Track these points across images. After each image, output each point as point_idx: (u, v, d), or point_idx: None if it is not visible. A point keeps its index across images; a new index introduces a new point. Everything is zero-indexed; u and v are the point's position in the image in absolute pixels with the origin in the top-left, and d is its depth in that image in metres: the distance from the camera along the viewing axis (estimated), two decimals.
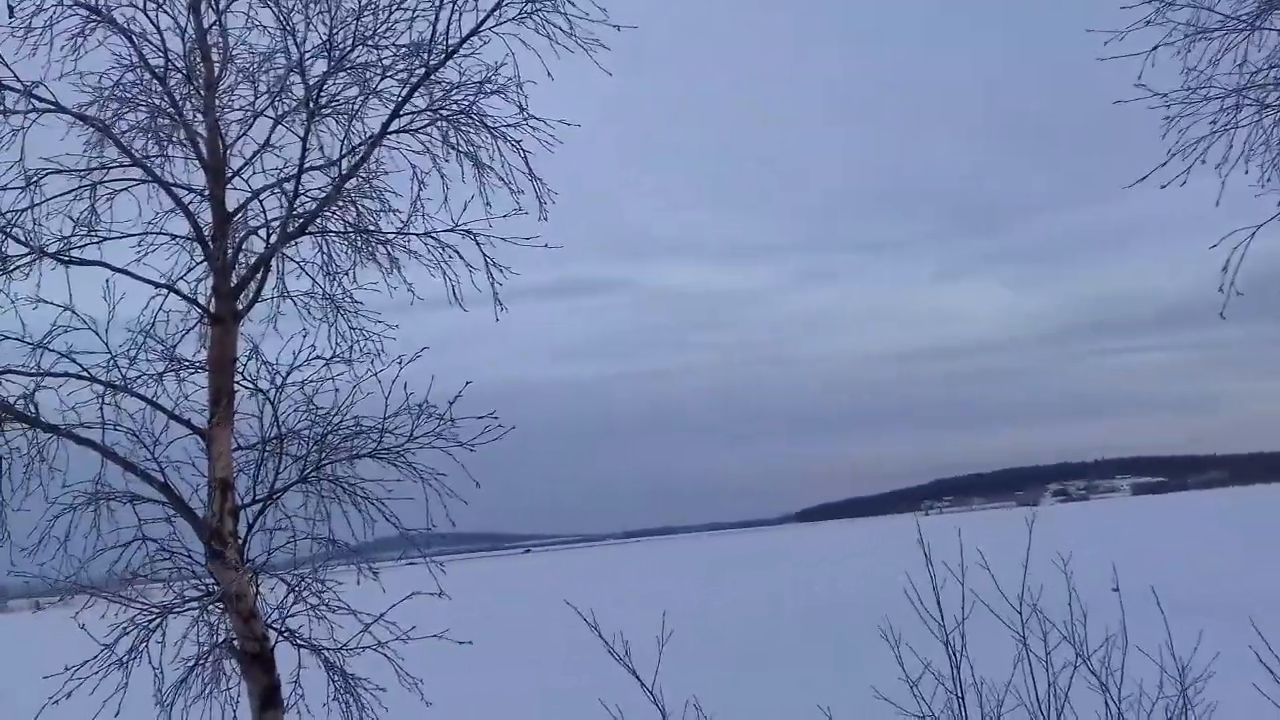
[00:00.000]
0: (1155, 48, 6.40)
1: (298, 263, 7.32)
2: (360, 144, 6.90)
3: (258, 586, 6.74)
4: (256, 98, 6.89)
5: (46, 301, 6.41)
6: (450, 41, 6.80)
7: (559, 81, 6.97)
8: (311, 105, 6.52)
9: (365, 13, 6.59)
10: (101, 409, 6.60)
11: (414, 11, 6.62)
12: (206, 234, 6.81)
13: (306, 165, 6.64)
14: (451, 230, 7.10)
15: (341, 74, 6.64)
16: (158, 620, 6.55)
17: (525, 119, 7.00)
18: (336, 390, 6.84)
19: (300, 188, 6.68)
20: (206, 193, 6.88)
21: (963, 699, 5.64)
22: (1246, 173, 6.28)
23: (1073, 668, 5.67)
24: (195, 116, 6.83)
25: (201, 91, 6.81)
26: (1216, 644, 5.83)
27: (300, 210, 6.76)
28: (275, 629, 6.78)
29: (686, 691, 5.80)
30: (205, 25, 6.81)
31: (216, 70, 6.88)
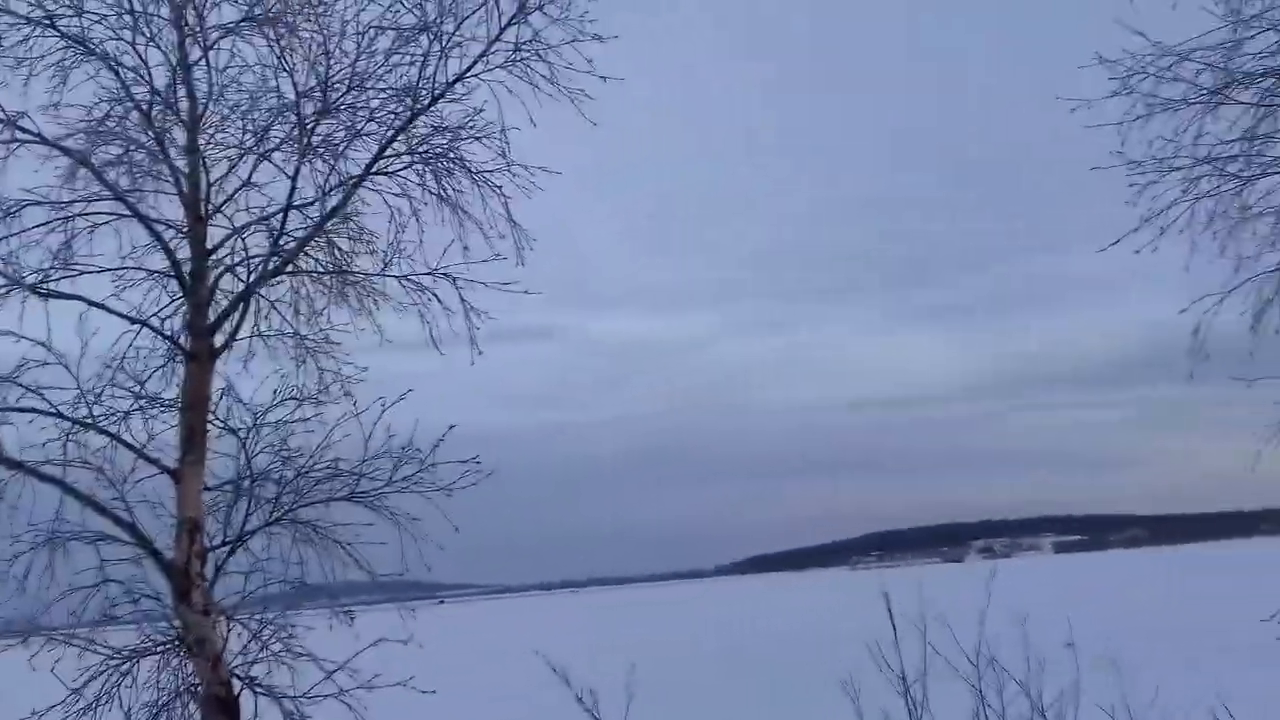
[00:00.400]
0: (1122, 122, 6.67)
1: (271, 302, 7.25)
2: (342, 184, 6.90)
3: (225, 632, 6.59)
4: (244, 135, 6.85)
5: (18, 335, 6.26)
6: (436, 86, 6.87)
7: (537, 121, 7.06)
8: (303, 144, 6.51)
9: (362, 57, 6.62)
10: (65, 445, 6.45)
11: (410, 57, 6.66)
12: (185, 270, 6.73)
13: (292, 204, 6.61)
14: (430, 274, 7.12)
15: (332, 116, 6.65)
16: (128, 665, 6.36)
17: (508, 165, 7.07)
18: (311, 432, 6.77)
19: (285, 225, 6.65)
20: (186, 228, 6.80)
21: None
22: (1214, 238, 6.51)
23: None
24: (178, 152, 6.76)
25: (186, 127, 6.76)
26: (1171, 703, 5.97)
27: (284, 248, 6.72)
28: (238, 676, 6.62)
29: None
30: (191, 60, 6.77)
31: (202, 107, 6.83)
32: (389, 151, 6.96)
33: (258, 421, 6.85)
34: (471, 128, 7.07)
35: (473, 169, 7.12)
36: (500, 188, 7.10)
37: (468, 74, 6.92)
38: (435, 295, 7.10)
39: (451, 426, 6.32)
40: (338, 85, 6.67)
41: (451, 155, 7.11)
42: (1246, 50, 6.16)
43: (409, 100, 6.86)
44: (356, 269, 7.25)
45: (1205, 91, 6.28)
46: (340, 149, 6.82)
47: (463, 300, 7.11)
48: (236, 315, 6.84)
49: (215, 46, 6.76)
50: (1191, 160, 6.55)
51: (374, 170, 6.98)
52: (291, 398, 6.91)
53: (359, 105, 6.79)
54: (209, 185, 6.86)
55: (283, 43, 6.60)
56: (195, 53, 6.76)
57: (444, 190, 7.15)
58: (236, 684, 6.66)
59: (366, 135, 6.89)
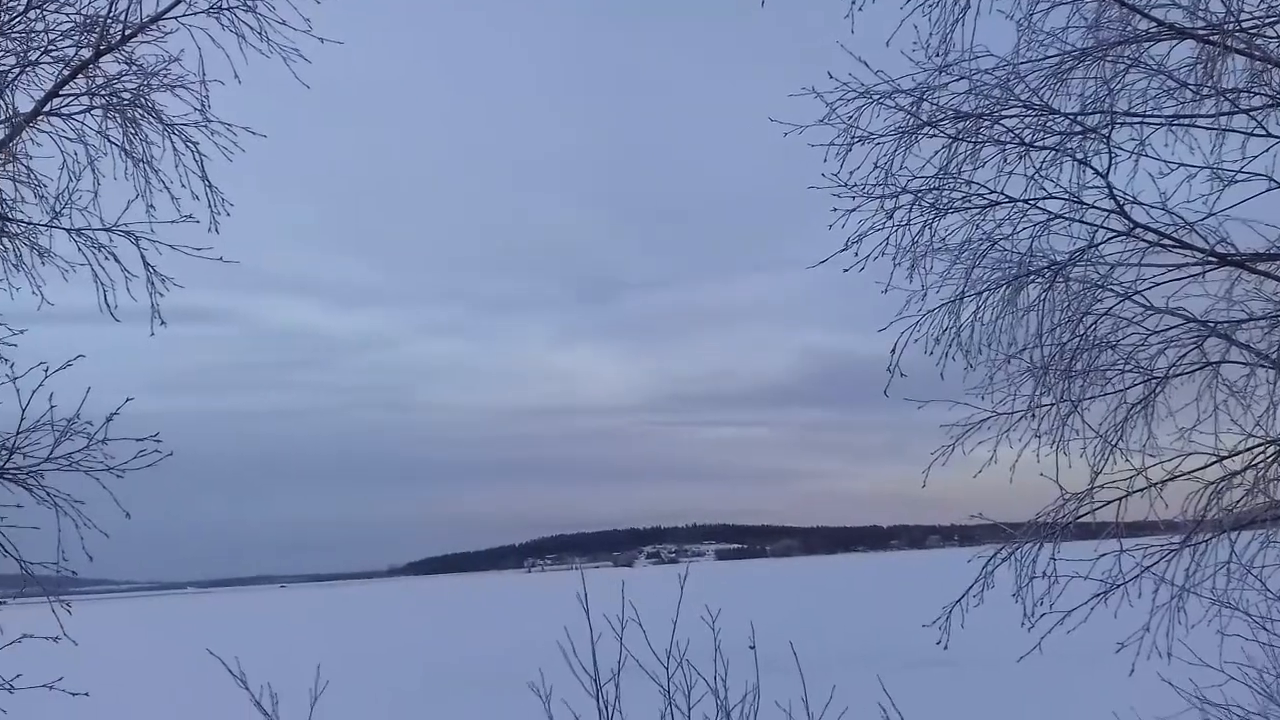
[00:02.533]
0: (831, 145, 6.95)
1: None
2: (8, 119, 6.09)
3: None
4: None
5: None
6: (129, 24, 6.20)
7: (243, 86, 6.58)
8: None
9: None
10: None
11: None
12: None
13: None
14: (108, 230, 6.41)
15: (2, 39, 5.83)
16: None
17: (205, 120, 6.51)
18: None
19: None
20: None
21: None
22: (906, 268, 6.87)
23: None
24: None
25: None
26: (846, 700, 6.25)
27: None
28: None
29: None
30: None
31: None
32: (66, 89, 6.21)
33: None
34: (166, 76, 6.46)
35: (165, 120, 6.50)
36: (196, 144, 6.53)
37: (166, 14, 6.29)
38: (113, 255, 6.40)
39: (129, 398, 5.64)
40: (10, 4, 5.86)
41: (140, 103, 6.46)
42: (949, 90, 6.56)
43: (95, 35, 6.14)
44: (19, 217, 6.42)
45: (910, 117, 6.64)
46: (9, 79, 6.01)
47: (146, 264, 6.45)
48: None
49: None
50: (891, 189, 6.88)
51: (47, 110, 6.20)
52: None
53: (35, 31, 6.01)
54: None
55: None
56: None
57: (129, 141, 6.49)
58: None
59: (40, 67, 6.11)
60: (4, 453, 5.63)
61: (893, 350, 6.44)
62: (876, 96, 6.74)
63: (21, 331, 6.43)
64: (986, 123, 6.48)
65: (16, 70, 6.08)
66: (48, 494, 5.71)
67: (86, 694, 6.28)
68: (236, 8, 6.40)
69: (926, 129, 6.79)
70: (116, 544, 5.89)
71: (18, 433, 5.57)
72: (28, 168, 6.42)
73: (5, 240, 6.59)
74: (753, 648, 6.85)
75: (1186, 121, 6.44)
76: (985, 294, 6.82)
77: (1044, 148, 6.41)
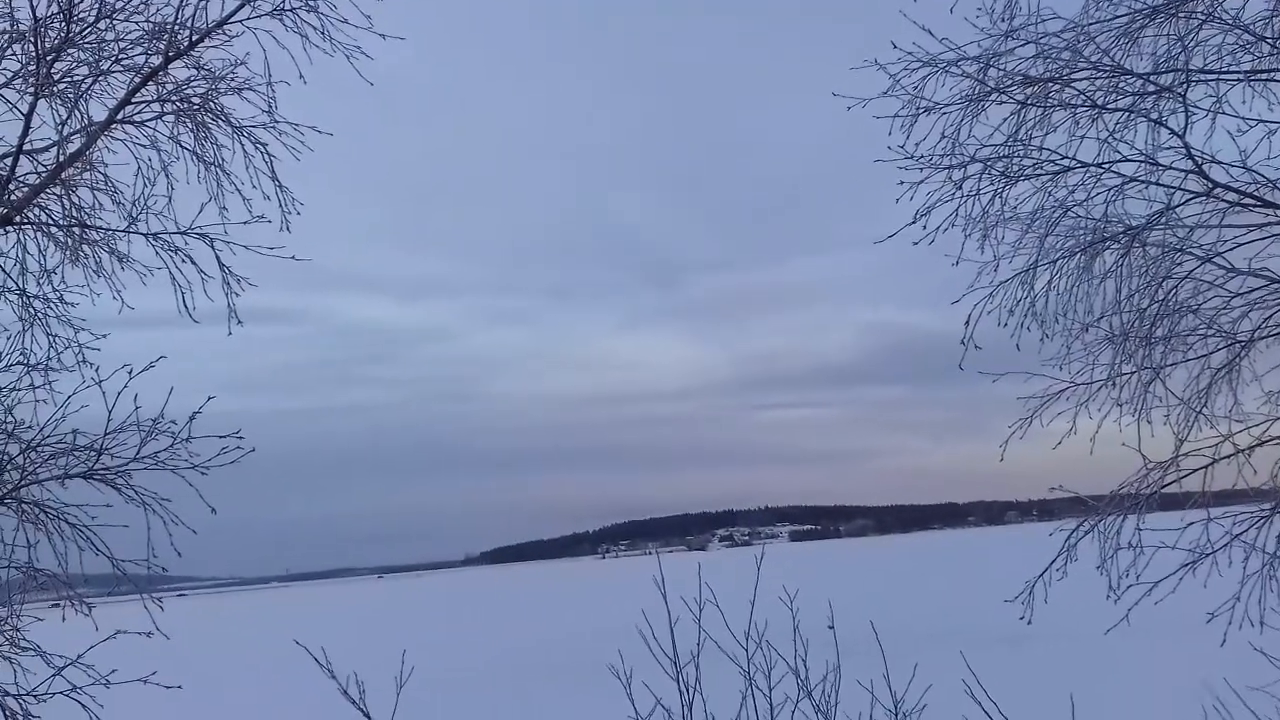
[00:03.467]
0: (896, 116, 6.85)
1: None
2: (84, 128, 6.24)
3: None
4: None
5: None
6: (196, 30, 6.30)
7: (308, 85, 6.67)
8: (40, 77, 5.79)
9: None
10: None
11: None
12: None
13: (25, 147, 5.88)
14: (183, 234, 6.54)
15: (75, 50, 5.96)
16: None
17: (273, 122, 6.60)
18: (41, 401, 6.02)
19: (15, 170, 5.91)
20: None
21: None
22: (977, 239, 6.76)
23: (794, 702, 5.87)
24: None
25: None
26: (929, 678, 6.20)
27: (12, 195, 5.97)
28: None
29: None
30: None
31: None
32: (138, 97, 6.34)
33: None
34: (233, 79, 6.56)
35: (234, 123, 6.61)
36: (265, 145, 6.63)
37: (232, 19, 6.38)
38: (189, 257, 6.53)
39: (210, 397, 5.76)
40: (83, 15, 5.98)
41: (210, 107, 6.58)
42: (1016, 55, 6.44)
43: (164, 42, 6.25)
44: (99, 224, 6.58)
45: (977, 84, 6.52)
46: (83, 89, 6.15)
47: (221, 265, 6.57)
48: None
49: None
50: (959, 159, 6.76)
51: (121, 117, 6.33)
52: (19, 363, 6.16)
53: (106, 40, 6.13)
54: None
55: None
56: None
57: (200, 144, 6.61)
58: None
59: (112, 76, 6.23)
60: (92, 454, 5.77)
61: (966, 323, 6.33)
62: (942, 65, 6.63)
63: (104, 336, 6.62)
64: (1056, 86, 6.34)
65: (90, 80, 6.22)
66: (136, 493, 5.85)
67: (179, 687, 6.45)
68: (299, 9, 6.48)
69: (994, 95, 6.66)
70: (201, 540, 6.02)
71: (105, 434, 5.71)
72: (104, 175, 6.57)
73: (86, 247, 6.75)
74: (831, 627, 6.82)
75: (1265, 76, 6.24)
76: (1060, 262, 6.68)
77: (1117, 109, 6.25)
